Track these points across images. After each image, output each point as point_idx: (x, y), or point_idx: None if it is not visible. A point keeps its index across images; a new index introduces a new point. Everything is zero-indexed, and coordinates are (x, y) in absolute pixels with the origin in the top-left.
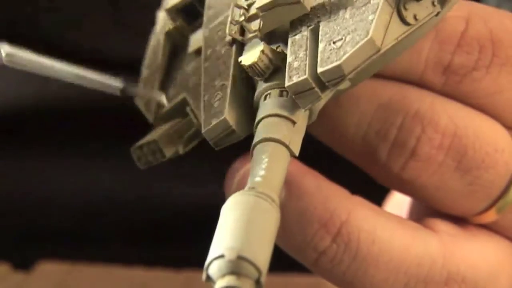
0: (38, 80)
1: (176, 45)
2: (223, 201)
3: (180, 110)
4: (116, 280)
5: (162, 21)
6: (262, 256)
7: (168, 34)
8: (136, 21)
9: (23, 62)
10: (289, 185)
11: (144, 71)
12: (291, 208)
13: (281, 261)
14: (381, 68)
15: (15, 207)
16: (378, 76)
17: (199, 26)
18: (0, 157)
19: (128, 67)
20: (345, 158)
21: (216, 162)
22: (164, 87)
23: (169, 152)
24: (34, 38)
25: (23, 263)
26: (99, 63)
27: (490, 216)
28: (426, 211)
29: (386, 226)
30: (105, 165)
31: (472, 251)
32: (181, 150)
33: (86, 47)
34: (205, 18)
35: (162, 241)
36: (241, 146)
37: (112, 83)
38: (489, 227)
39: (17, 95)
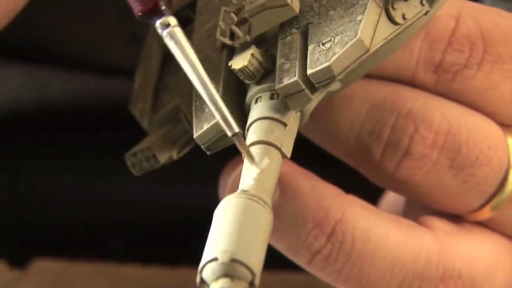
0: (38, 85)
1: (168, 52)
2: (218, 200)
3: (173, 116)
4: (112, 277)
5: (154, 28)
6: (256, 259)
7: (160, 41)
8: (143, 33)
9: (173, 49)
10: (283, 185)
11: (138, 79)
12: (285, 208)
13: (276, 259)
14: (372, 68)
15: (14, 206)
16: (370, 76)
17: (190, 32)
18: (1, 159)
19: (131, 76)
20: (338, 158)
21: (213, 162)
22: (157, 93)
23: (163, 158)
24: (38, 47)
25: (19, 260)
26: (105, 71)
27: (485, 213)
28: (421, 209)
29: (381, 224)
30: (103, 166)
31: (468, 247)
32: (175, 156)
33: (93, 55)
34: (195, 24)
35: (159, 239)
36: (236, 148)
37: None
38: (484, 224)
39: (18, 100)
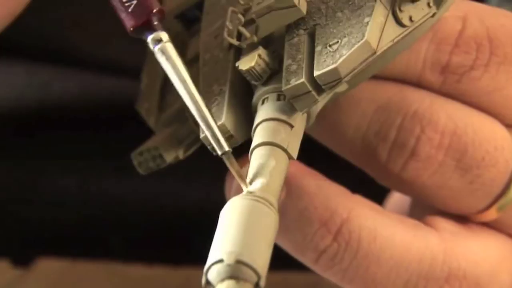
0: (40, 84)
1: None
2: (221, 200)
3: (180, 115)
4: (115, 277)
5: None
6: (261, 260)
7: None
8: None
9: (164, 65)
10: (290, 185)
11: (144, 78)
12: (292, 208)
13: (280, 259)
14: (379, 70)
15: (16, 205)
16: (377, 77)
17: (197, 31)
18: (2, 158)
19: (135, 75)
20: (345, 158)
21: (215, 162)
22: (164, 93)
23: (169, 158)
24: (40, 45)
25: (22, 260)
26: (107, 70)
27: (491, 215)
28: (426, 209)
29: (387, 224)
30: (105, 165)
31: (473, 248)
32: (181, 156)
33: (95, 53)
34: (203, 24)
35: (161, 239)
36: (241, 149)
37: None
38: (490, 225)
39: (20, 98)
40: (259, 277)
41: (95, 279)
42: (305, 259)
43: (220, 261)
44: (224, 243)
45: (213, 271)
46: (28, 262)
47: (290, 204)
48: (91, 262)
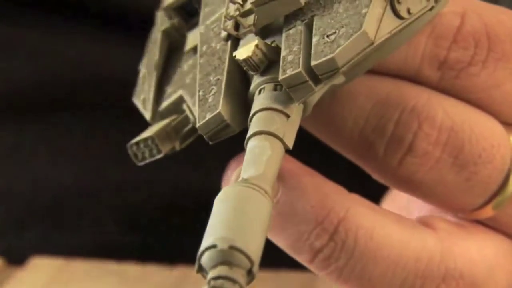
0: (36, 65)
1: (173, 43)
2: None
3: (177, 107)
4: (110, 275)
5: (160, 20)
6: (255, 246)
7: (165, 33)
8: None
9: None
10: (286, 183)
11: (142, 70)
12: (288, 206)
13: (275, 257)
14: (377, 63)
15: (9, 202)
16: (375, 72)
17: (196, 24)
18: None
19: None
20: (342, 155)
21: (212, 156)
22: (161, 85)
23: (165, 149)
24: None
25: (17, 258)
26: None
27: (487, 212)
28: (423, 208)
29: (384, 223)
30: (101, 158)
31: (470, 247)
32: (177, 147)
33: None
34: (201, 16)
35: (158, 237)
36: (238, 140)
37: None
38: (486, 223)
39: (12, 82)
40: (252, 263)
41: (90, 277)
42: (301, 258)
43: (213, 246)
44: (217, 229)
45: (206, 257)
46: (22, 261)
47: (286, 203)
48: (86, 260)
